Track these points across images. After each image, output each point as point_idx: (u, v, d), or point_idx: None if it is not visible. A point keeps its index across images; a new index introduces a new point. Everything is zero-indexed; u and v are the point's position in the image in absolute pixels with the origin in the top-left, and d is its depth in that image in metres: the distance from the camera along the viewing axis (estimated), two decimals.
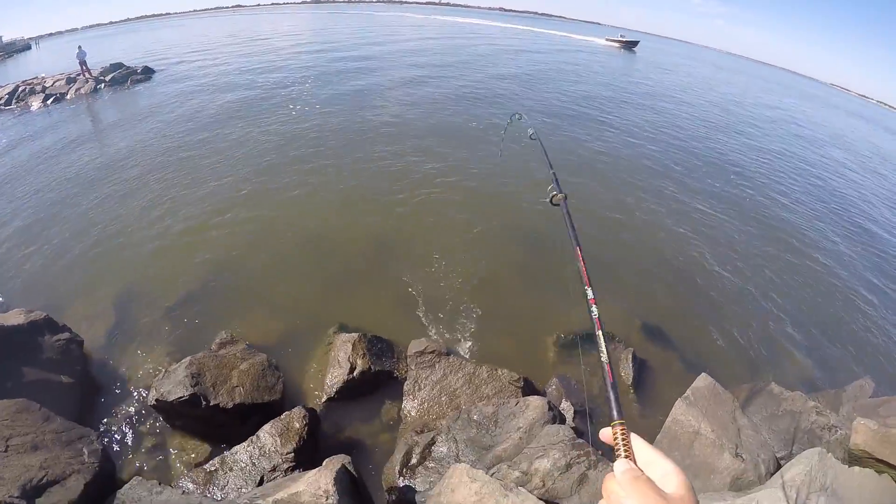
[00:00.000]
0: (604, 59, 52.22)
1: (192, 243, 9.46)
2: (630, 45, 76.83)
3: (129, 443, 5.55)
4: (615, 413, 0.99)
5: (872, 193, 18.68)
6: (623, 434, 0.94)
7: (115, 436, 5.61)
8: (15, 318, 6.35)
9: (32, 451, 4.44)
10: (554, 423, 4.86)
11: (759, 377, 7.22)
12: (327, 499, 3.77)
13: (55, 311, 6.96)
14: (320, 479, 3.94)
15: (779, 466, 5.02)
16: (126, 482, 4.41)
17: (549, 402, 5.14)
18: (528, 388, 5.94)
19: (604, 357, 1.10)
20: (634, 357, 6.91)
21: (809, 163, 21.11)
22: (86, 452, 4.66)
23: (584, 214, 11.37)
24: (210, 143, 15.32)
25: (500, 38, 63.13)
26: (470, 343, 7.09)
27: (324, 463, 4.24)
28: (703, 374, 5.74)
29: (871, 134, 41.18)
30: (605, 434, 0.99)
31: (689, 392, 5.47)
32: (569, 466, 4.31)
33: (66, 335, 6.47)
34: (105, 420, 5.78)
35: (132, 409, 5.91)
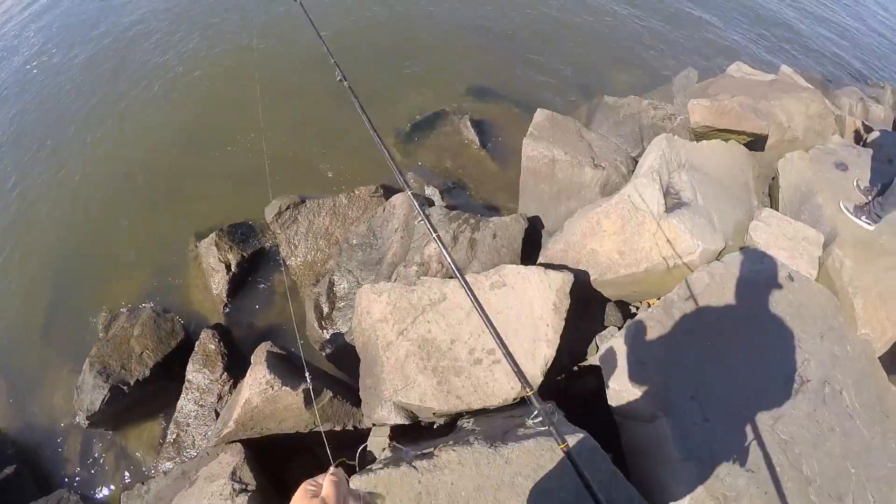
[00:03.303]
0: None
1: None
2: None
3: (93, 470, 5.33)
4: None
5: None
6: None
7: (78, 476, 5.33)
8: None
9: None
10: (425, 207, 5.08)
11: (591, 97, 7.59)
12: (272, 387, 3.92)
13: None
14: (256, 375, 4.05)
15: (636, 163, 5.56)
16: None
17: (411, 194, 5.29)
18: (389, 193, 6.07)
19: None
20: (472, 121, 7.05)
21: None
22: None
23: None
24: None
25: None
26: (318, 181, 6.95)
27: (251, 360, 4.32)
28: (538, 109, 5.96)
29: None
30: None
31: (531, 129, 5.71)
32: (455, 239, 4.64)
33: None
34: (56, 470, 5.44)
35: (74, 441, 5.56)
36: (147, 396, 5.37)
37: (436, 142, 7.22)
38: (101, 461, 5.39)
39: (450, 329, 3.61)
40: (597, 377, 3.71)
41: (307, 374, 3.22)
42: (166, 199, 7.66)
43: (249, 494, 3.64)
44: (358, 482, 2.79)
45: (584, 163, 5.31)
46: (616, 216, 4.33)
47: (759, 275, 3.93)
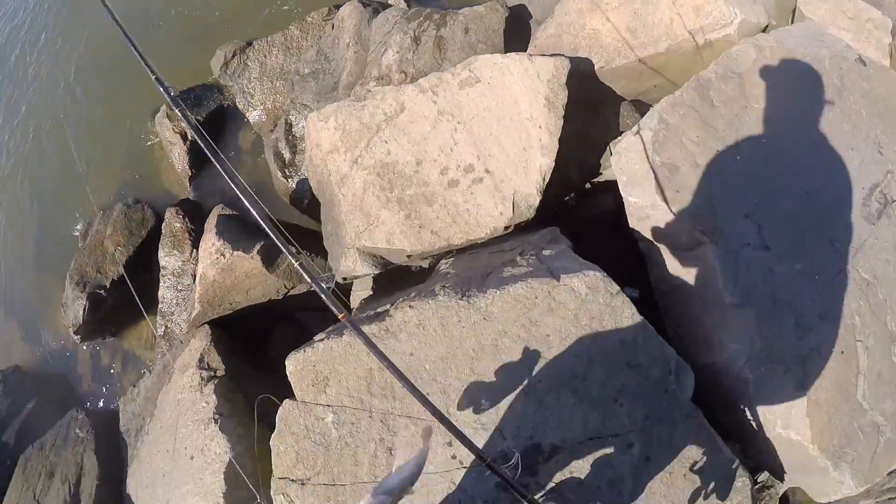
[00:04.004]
0: None
1: None
2: None
3: (103, 383, 5.16)
4: None
5: None
6: None
7: (90, 392, 5.20)
8: None
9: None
10: (378, 13, 4.10)
11: None
12: (223, 255, 3.36)
13: None
14: (206, 244, 3.48)
15: None
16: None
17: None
18: None
19: None
20: None
21: None
22: (79, 432, 4.25)
23: None
24: None
25: None
26: (272, 20, 5.88)
27: (204, 229, 3.73)
28: None
29: None
30: None
31: None
32: (417, 40, 3.68)
33: None
34: (73, 392, 5.30)
35: (83, 359, 5.38)
36: (128, 296, 4.81)
37: None
38: (110, 371, 5.19)
39: (414, 147, 2.82)
40: (615, 194, 2.83)
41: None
42: (116, 89, 6.77)
43: (217, 381, 3.18)
44: (294, 361, 2.17)
45: None
46: None
47: (820, 54, 2.87)
